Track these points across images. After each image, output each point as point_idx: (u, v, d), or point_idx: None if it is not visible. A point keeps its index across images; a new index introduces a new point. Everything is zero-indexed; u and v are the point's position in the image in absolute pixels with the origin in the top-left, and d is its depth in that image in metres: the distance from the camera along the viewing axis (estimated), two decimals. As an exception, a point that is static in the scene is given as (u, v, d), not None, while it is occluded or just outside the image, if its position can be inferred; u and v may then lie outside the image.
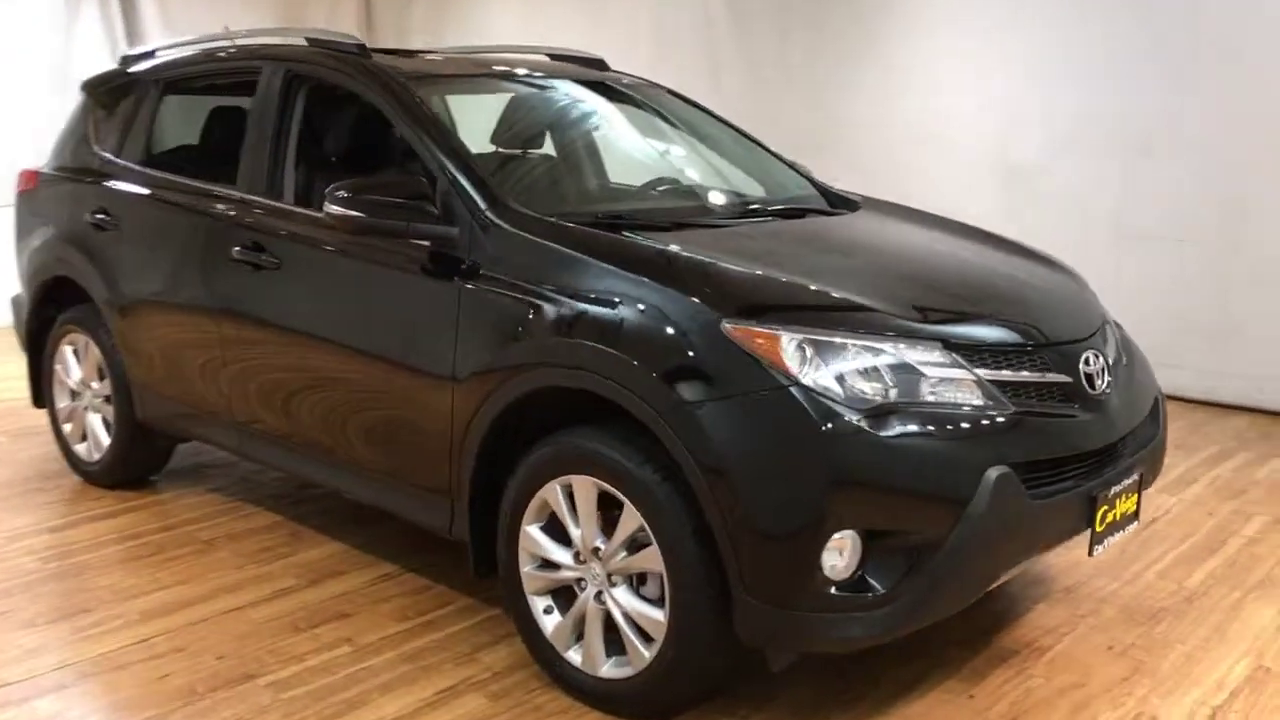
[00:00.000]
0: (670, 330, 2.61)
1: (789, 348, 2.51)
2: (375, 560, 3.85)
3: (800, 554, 2.45)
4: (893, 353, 2.56)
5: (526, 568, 2.99)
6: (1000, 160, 6.88)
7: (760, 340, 2.52)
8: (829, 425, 2.44)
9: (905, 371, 2.55)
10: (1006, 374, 2.67)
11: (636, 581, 2.80)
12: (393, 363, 3.22)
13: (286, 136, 3.74)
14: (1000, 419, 2.60)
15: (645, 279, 2.72)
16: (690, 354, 2.57)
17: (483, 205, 3.08)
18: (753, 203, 3.67)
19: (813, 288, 2.74)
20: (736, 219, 3.42)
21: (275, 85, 3.76)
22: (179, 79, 4.32)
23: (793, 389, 2.47)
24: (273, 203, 3.67)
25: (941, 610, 2.59)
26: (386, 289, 3.24)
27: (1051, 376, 2.75)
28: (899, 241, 3.46)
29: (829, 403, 2.46)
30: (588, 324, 2.74)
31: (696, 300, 2.62)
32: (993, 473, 2.51)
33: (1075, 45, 6.54)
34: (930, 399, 2.54)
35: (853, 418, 2.45)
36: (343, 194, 3.09)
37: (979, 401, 2.58)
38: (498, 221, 3.04)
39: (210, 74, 4.27)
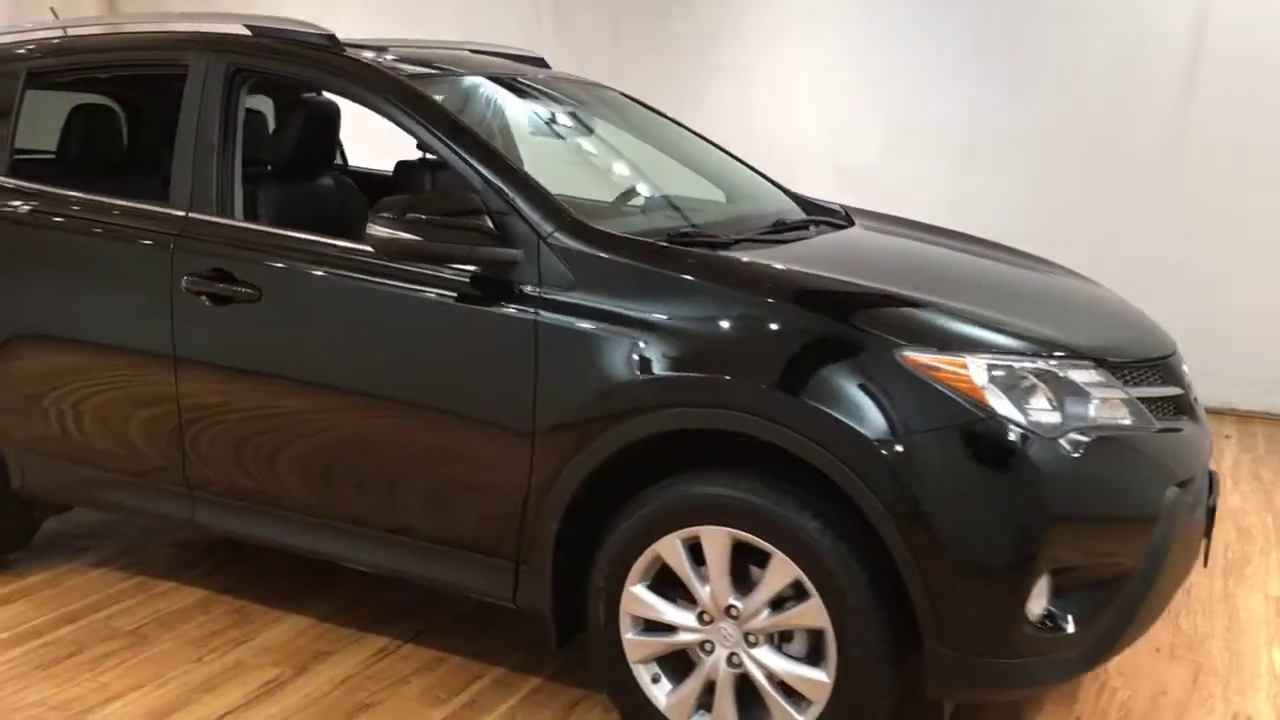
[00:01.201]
0: (839, 363, 2.36)
1: (978, 375, 2.33)
2: (356, 633, 3.33)
3: (1007, 596, 2.29)
4: (1064, 374, 2.44)
5: (630, 634, 2.64)
6: (835, 164, 7.01)
7: (945, 369, 2.33)
8: (1032, 455, 2.29)
9: (1075, 393, 2.43)
10: (1144, 390, 2.62)
11: (779, 639, 2.53)
12: (439, 412, 2.76)
13: (233, 143, 3.15)
14: (1153, 436, 2.54)
15: (795, 305, 2.46)
16: (866, 388, 2.33)
17: (550, 224, 2.69)
18: (772, 215, 3.45)
19: (970, 310, 2.57)
20: (779, 234, 3.19)
21: (215, 82, 3.14)
22: (48, 70, 3.54)
23: (989, 419, 2.29)
24: (246, 224, 3.08)
25: (1130, 639, 2.50)
26: (428, 324, 2.77)
27: (1169, 390, 2.73)
28: (958, 259, 3.34)
29: (1025, 431, 2.30)
30: (732, 358, 2.45)
31: (864, 328, 2.39)
32: (1171, 492, 2.45)
33: (906, 56, 6.77)
34: (1099, 420, 2.44)
35: (1052, 445, 2.31)
36: (389, 214, 2.61)
37: (1132, 420, 2.51)
38: (573, 242, 2.66)
39: (95, 65, 3.54)
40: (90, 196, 3.30)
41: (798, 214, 3.59)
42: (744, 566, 2.52)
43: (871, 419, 2.31)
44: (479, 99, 3.33)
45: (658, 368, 2.49)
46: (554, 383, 2.60)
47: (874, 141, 6.85)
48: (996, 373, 2.34)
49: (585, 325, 2.58)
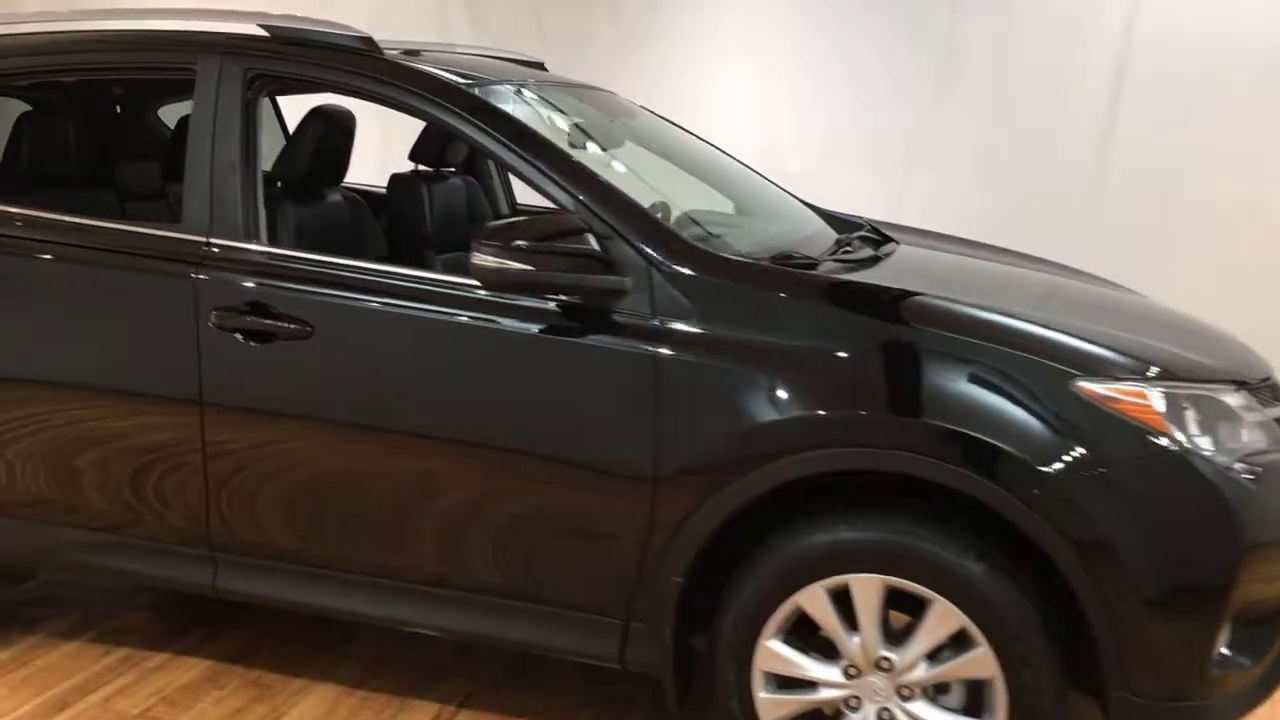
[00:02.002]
0: (1012, 396, 2.22)
1: (1158, 404, 2.22)
2: (398, 700, 3.01)
3: (1200, 632, 2.20)
4: (1224, 400, 2.36)
5: (764, 693, 2.44)
6: (774, 170, 6.92)
7: (1124, 399, 2.21)
8: (1219, 483, 2.19)
9: (1232, 418, 2.36)
10: (1273, 411, 2.57)
11: (934, 691, 2.37)
12: (537, 458, 2.49)
13: (256, 159, 2.78)
14: None
15: (958, 336, 2.30)
16: (1044, 421, 2.20)
17: (661, 248, 2.45)
18: (812, 231, 3.27)
19: (1124, 337, 2.46)
20: (851, 252, 3.02)
21: (231, 89, 2.77)
22: (11, 73, 3.07)
23: (1174, 449, 2.18)
24: (286, 251, 2.73)
25: None
26: (521, 361, 2.49)
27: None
28: (1044, 279, 3.22)
29: (1209, 459, 2.21)
30: (893, 394, 2.27)
31: (1037, 359, 2.25)
32: None
33: (843, 61, 6.74)
34: (1258, 445, 2.36)
35: (1233, 472, 2.22)
36: (497, 242, 2.33)
37: (1270, 443, 2.45)
38: (689, 268, 2.43)
39: (66, 68, 3.08)
40: (77, 220, 2.87)
41: (821, 225, 3.44)
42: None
43: (1051, 453, 2.18)
44: (531, 110, 3.04)
45: (807, 405, 2.29)
46: (680, 423, 2.37)
47: (812, 148, 6.79)
48: (1173, 401, 2.24)
49: (714, 359, 2.35)
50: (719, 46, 6.88)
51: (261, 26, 2.85)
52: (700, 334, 2.37)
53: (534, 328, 2.47)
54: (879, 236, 3.31)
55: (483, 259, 2.34)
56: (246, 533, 2.76)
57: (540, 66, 3.84)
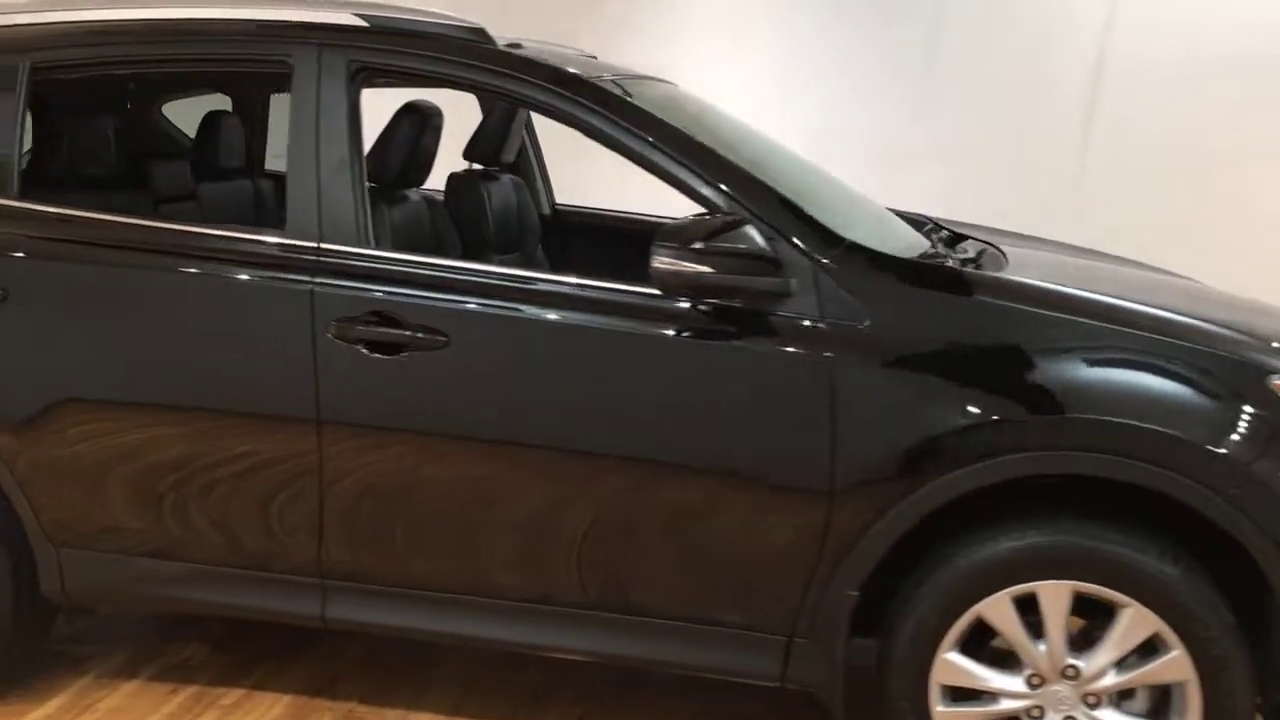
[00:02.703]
0: (1212, 394, 2.19)
1: None
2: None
3: None
4: None
5: (941, 706, 2.36)
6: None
7: (1314, 394, 2.20)
8: None
9: None
10: None
11: (1118, 697, 2.33)
12: (695, 472, 2.38)
13: (362, 157, 2.60)
14: None
15: (1151, 335, 2.26)
16: (1245, 418, 2.17)
17: (827, 248, 2.36)
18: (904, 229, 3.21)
19: None
20: (965, 252, 2.96)
21: (335, 83, 2.58)
22: (61, 65, 2.80)
23: None
24: (411, 256, 2.55)
25: None
26: (685, 369, 2.37)
27: None
28: (1153, 276, 3.21)
29: None
30: (1089, 396, 2.22)
31: (1235, 356, 2.22)
32: None
33: (826, 62, 6.74)
34: None
35: None
36: (674, 243, 2.21)
37: None
38: (859, 269, 2.35)
39: (134, 59, 2.83)
40: (163, 225, 2.65)
41: (906, 225, 3.38)
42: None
43: (1253, 451, 2.15)
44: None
45: (999, 410, 2.23)
46: (859, 432, 2.28)
47: (796, 146, 6.75)
48: None
49: (892, 362, 2.27)
50: (702, 44, 6.80)
51: (358, 15, 2.66)
52: (874, 337, 2.29)
53: (698, 334, 2.35)
54: (956, 235, 3.27)
55: (662, 261, 2.21)
56: (364, 558, 2.57)
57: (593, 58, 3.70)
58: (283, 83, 3.97)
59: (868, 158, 6.60)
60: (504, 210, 3.60)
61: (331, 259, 2.50)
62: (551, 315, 2.43)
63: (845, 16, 6.63)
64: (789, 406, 2.31)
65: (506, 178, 3.78)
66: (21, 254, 2.64)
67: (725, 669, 2.49)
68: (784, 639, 2.41)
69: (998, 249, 2.89)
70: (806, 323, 2.31)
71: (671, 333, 2.37)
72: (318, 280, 2.49)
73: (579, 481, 2.43)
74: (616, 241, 4.01)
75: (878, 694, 2.43)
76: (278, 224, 2.61)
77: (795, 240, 2.34)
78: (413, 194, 3.10)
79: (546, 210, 4.07)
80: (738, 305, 2.33)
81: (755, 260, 2.26)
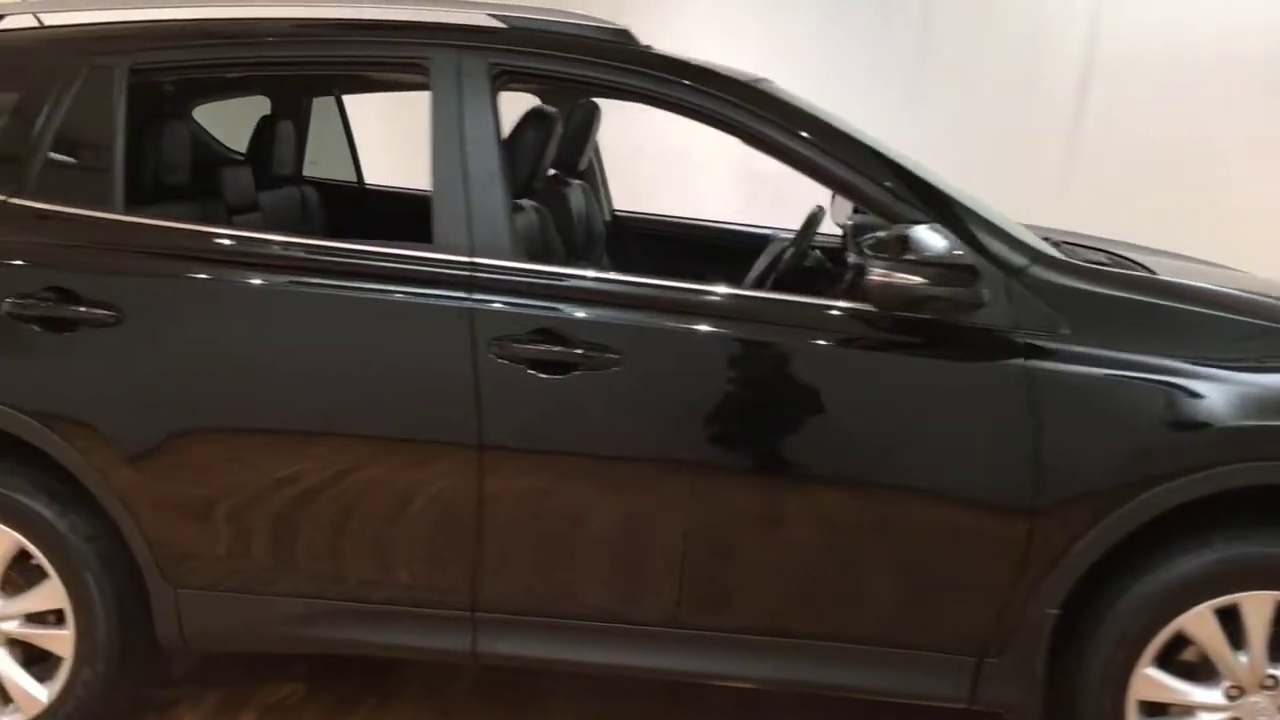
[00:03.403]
0: None
1: None
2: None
3: None
4: None
5: (1137, 722, 2.32)
6: (744, 169, 6.83)
7: None
8: None
9: None
10: None
11: (1308, 704, 2.32)
12: (894, 492, 2.30)
13: (507, 166, 2.47)
14: None
15: None
16: None
17: (1021, 257, 2.31)
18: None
19: None
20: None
21: (477, 88, 2.43)
22: (162, 68, 2.60)
23: None
24: (573, 270, 2.44)
25: None
26: (876, 385, 2.29)
27: None
28: (1240, 273, 3.23)
29: None
30: None
31: None
32: None
33: (814, 63, 6.71)
34: None
35: None
36: (887, 255, 2.13)
37: None
38: (1055, 277, 2.29)
39: (242, 62, 2.64)
40: (296, 239, 2.47)
41: None
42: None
43: None
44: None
45: (1214, 418, 2.19)
46: (1064, 447, 2.22)
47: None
48: None
49: (1099, 374, 2.22)
50: (691, 44, 6.70)
51: (493, 16, 2.52)
52: (1073, 348, 2.23)
53: (890, 347, 2.28)
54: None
55: (877, 274, 2.13)
56: (522, 589, 2.43)
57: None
58: (325, 86, 3.83)
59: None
60: (582, 218, 3.48)
61: (489, 274, 2.35)
62: (733, 329, 2.32)
63: (835, 16, 6.62)
64: (987, 421, 2.25)
65: (578, 184, 3.66)
66: (136, 273, 2.43)
67: (911, 692, 2.41)
68: (974, 659, 2.35)
69: (1112, 252, 2.87)
70: (1002, 333, 2.25)
71: (861, 346, 2.29)
72: (476, 297, 2.34)
73: (763, 504, 2.33)
74: (675, 247, 3.93)
75: (1060, 711, 2.38)
76: (330, 235, 2.44)
77: (989, 249, 2.28)
78: (524, 202, 2.96)
79: (608, 216, 3.96)
80: (929, 317, 2.25)
81: (958, 270, 2.19)
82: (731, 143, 6.34)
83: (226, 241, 2.48)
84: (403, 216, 3.66)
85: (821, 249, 3.36)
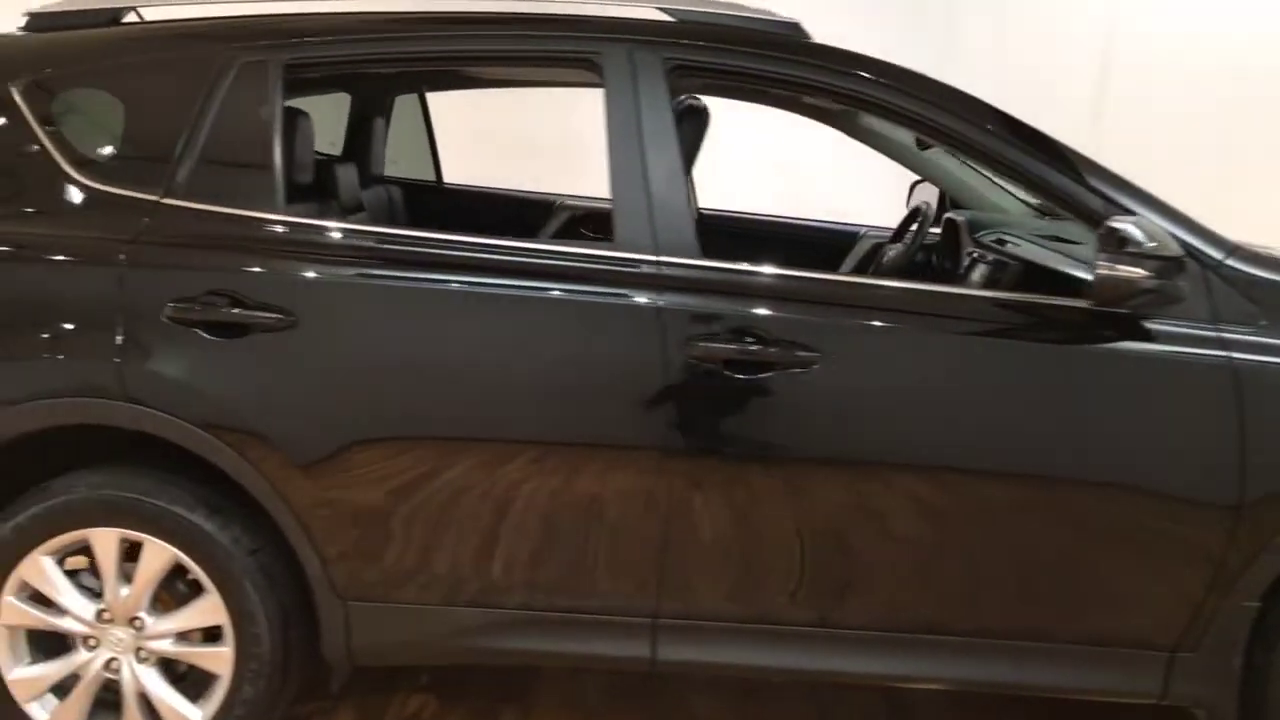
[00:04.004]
0: None
1: None
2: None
3: None
4: None
5: (1333, 713, 2.34)
6: (773, 163, 6.82)
7: None
8: None
9: None
10: None
11: None
12: (1094, 488, 2.29)
13: (686, 162, 2.43)
14: None
15: None
16: None
17: (1218, 250, 2.31)
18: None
19: None
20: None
21: (653, 84, 2.37)
22: (325, 62, 2.50)
23: None
24: (771, 270, 2.37)
25: None
26: (1083, 381, 2.28)
27: None
28: None
29: None
30: None
31: None
32: None
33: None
34: None
35: None
36: (1112, 249, 2.11)
37: None
38: (1248, 269, 2.30)
39: (401, 58, 2.56)
40: (472, 239, 2.39)
41: None
42: None
43: None
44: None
45: None
46: (1266, 440, 2.23)
47: (809, 151, 6.71)
48: None
49: (1301, 366, 2.23)
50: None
51: (663, 10, 2.47)
52: (1273, 340, 2.24)
53: (1093, 340, 2.26)
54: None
55: (1105, 268, 2.11)
56: (709, 594, 2.38)
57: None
58: (411, 83, 3.73)
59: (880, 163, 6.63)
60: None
61: (678, 272, 2.30)
62: (937, 327, 2.30)
63: (862, 20, 6.62)
64: (1189, 416, 2.24)
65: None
66: (311, 275, 2.34)
67: (1102, 689, 2.41)
68: (1167, 655, 2.34)
69: None
70: (1199, 329, 2.25)
71: (1067, 341, 2.27)
72: (664, 297, 2.29)
73: (964, 504, 2.31)
74: (755, 243, 3.89)
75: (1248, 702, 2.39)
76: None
77: (1191, 242, 2.28)
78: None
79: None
80: (1127, 312, 2.24)
81: (1172, 263, 2.18)
82: (768, 136, 6.29)
83: (404, 242, 2.40)
84: (482, 215, 3.62)
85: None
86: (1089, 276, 2.37)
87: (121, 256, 2.32)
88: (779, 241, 3.86)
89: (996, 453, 2.29)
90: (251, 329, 2.30)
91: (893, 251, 3.50)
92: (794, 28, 2.48)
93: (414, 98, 3.88)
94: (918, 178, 3.91)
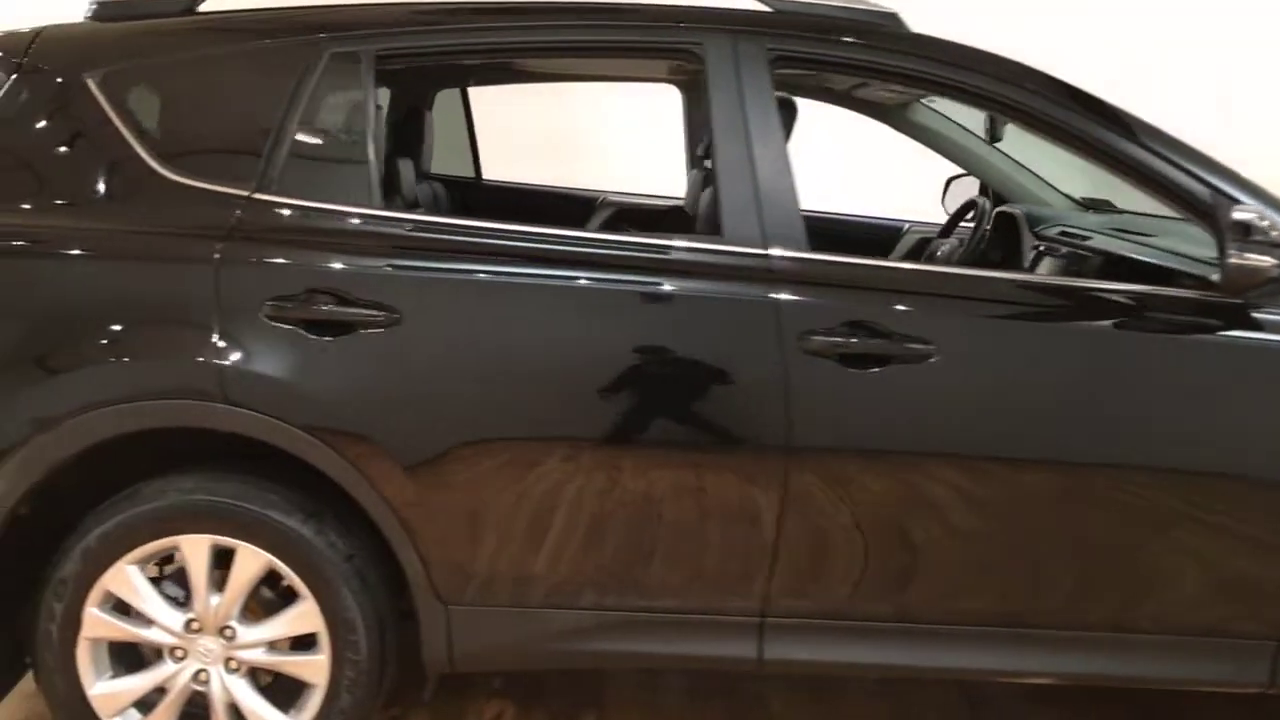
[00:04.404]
0: None
1: None
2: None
3: None
4: None
5: None
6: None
7: None
8: None
9: None
10: None
11: None
12: (1225, 479, 2.30)
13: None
14: None
15: None
16: None
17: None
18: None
19: None
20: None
21: (757, 76, 2.34)
22: (415, 53, 2.43)
23: None
24: (881, 262, 2.36)
25: None
26: (1191, 370, 2.29)
27: None
28: None
29: None
30: None
31: None
32: None
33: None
34: None
35: None
36: (1241, 239, 2.13)
37: None
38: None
39: (492, 48, 2.51)
40: (581, 234, 2.37)
41: None
42: None
43: None
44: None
45: None
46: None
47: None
48: None
49: None
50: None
51: (763, 1, 2.44)
52: None
53: (1215, 331, 2.28)
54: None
55: (1240, 258, 2.12)
56: (818, 591, 2.36)
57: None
58: (457, 78, 3.67)
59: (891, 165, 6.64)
60: None
61: (792, 266, 2.27)
62: (1061, 320, 2.31)
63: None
64: None
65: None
66: (416, 271, 2.28)
67: (1208, 679, 2.42)
68: (1276, 644, 2.36)
69: None
70: (1305, 317, 2.26)
71: (1183, 331, 2.28)
72: (779, 291, 2.26)
73: (1090, 499, 2.30)
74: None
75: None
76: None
77: None
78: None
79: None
80: (1240, 302, 2.25)
81: (1285, 250, 2.19)
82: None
83: (510, 238, 2.34)
84: (524, 211, 3.57)
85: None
86: (1186, 269, 2.40)
87: (216, 254, 2.24)
88: (819, 236, 3.84)
89: (1116, 446, 2.28)
90: (355, 327, 2.23)
91: (945, 246, 3.50)
92: (892, 18, 2.46)
93: (455, 92, 3.81)
94: (954, 173, 3.93)
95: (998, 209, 3.45)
